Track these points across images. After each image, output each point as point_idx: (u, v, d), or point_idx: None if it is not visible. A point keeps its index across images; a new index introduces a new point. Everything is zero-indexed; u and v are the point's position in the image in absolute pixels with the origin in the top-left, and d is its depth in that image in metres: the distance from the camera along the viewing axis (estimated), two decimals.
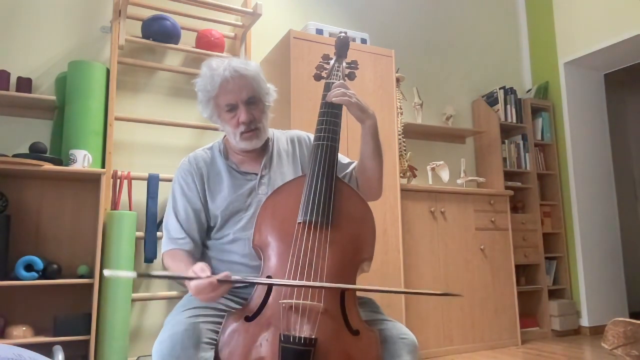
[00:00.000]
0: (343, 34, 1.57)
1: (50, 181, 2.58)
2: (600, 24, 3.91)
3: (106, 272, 1.06)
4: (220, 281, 1.09)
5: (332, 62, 1.54)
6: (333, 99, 1.34)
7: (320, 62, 1.54)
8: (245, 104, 1.36)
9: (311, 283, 1.12)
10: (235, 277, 1.14)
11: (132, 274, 1.06)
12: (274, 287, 1.13)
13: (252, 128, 1.37)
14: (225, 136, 1.48)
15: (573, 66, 4.20)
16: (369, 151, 1.40)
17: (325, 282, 1.13)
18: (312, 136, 1.51)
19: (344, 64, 1.54)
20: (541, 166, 4.15)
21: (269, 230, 1.23)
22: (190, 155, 1.47)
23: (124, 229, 2.46)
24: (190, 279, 1.10)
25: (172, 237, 1.37)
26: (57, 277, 2.36)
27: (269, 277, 1.15)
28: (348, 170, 1.50)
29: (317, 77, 1.52)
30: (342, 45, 1.56)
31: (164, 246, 1.38)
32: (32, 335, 2.28)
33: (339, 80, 1.46)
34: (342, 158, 1.52)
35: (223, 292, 1.12)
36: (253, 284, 1.19)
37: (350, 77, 1.53)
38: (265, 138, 1.43)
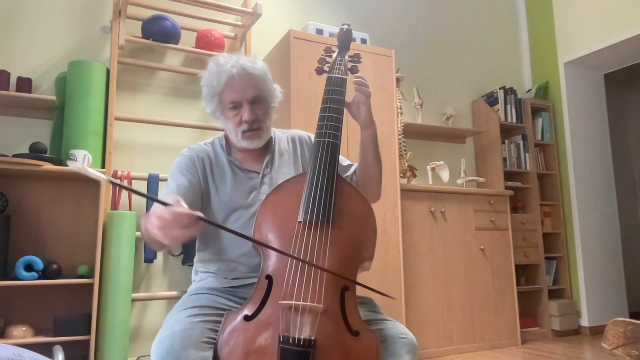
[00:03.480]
0: (346, 27, 1.54)
1: (50, 181, 2.58)
2: (600, 24, 3.91)
3: (72, 165, 0.94)
4: (200, 218, 0.99)
5: (334, 55, 1.50)
6: (356, 85, 1.35)
7: (322, 55, 1.51)
8: (249, 103, 1.34)
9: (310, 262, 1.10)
10: (214, 221, 1.06)
11: (103, 177, 0.93)
12: (273, 288, 1.12)
13: (255, 127, 1.35)
14: (225, 131, 1.46)
15: (573, 66, 4.19)
16: (371, 157, 1.40)
17: (326, 281, 1.12)
18: (312, 136, 1.49)
19: (347, 58, 1.50)
20: (541, 166, 4.14)
21: (269, 228, 1.22)
22: (193, 147, 1.44)
23: (124, 229, 2.46)
24: (166, 204, 0.98)
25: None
26: (57, 277, 2.36)
27: (268, 276, 1.15)
28: (349, 173, 1.50)
29: (319, 71, 1.49)
30: (345, 38, 1.53)
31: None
32: (32, 335, 2.28)
33: (341, 74, 1.43)
34: (343, 160, 1.51)
35: (193, 233, 1.01)
36: (250, 240, 1.14)
37: (353, 70, 1.49)
38: (267, 138, 1.42)
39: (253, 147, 1.38)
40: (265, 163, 1.42)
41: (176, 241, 1.02)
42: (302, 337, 1.03)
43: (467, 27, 4.27)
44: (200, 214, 1.00)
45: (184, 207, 0.98)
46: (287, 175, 1.40)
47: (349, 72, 1.48)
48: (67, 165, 2.44)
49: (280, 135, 1.52)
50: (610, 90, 4.44)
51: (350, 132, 2.78)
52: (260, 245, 1.18)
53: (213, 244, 1.38)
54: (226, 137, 1.46)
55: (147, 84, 2.96)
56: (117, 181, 1.03)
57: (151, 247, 1.20)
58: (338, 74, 1.43)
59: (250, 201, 1.37)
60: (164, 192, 1.36)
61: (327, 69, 1.47)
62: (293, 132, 1.55)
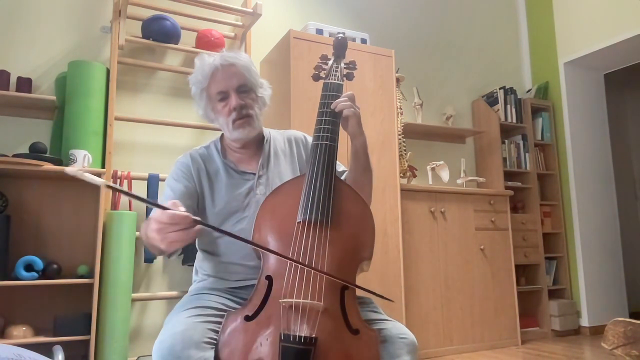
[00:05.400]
0: (341, 35, 1.58)
1: (50, 181, 2.58)
2: (600, 24, 3.91)
3: (69, 170, 0.96)
4: (196, 221, 1.00)
5: (330, 62, 1.54)
6: (339, 108, 1.34)
7: (318, 62, 1.55)
8: (236, 92, 1.38)
9: (307, 265, 1.10)
10: (211, 224, 1.07)
11: (101, 181, 0.96)
12: (273, 288, 1.12)
13: (244, 114, 1.38)
14: (222, 134, 1.49)
15: (573, 66, 4.20)
16: (361, 167, 1.41)
17: (325, 280, 1.12)
18: (308, 136, 1.53)
19: (342, 65, 1.54)
20: (541, 166, 4.15)
21: (268, 229, 1.22)
22: (188, 153, 1.47)
23: (124, 229, 2.46)
24: (164, 208, 0.99)
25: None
26: (57, 277, 2.36)
27: (268, 276, 1.15)
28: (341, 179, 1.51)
29: (316, 78, 1.53)
30: (340, 46, 1.57)
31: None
32: (32, 335, 2.28)
33: (337, 80, 1.46)
34: (338, 165, 1.52)
35: (190, 236, 1.01)
36: (238, 238, 1.09)
37: (349, 77, 1.53)
38: (259, 128, 1.43)
39: (246, 136, 1.40)
40: (260, 163, 1.43)
41: (173, 245, 1.03)
42: (302, 335, 1.04)
43: (467, 27, 4.27)
44: (196, 217, 1.01)
45: (181, 210, 1.00)
46: (284, 175, 1.42)
47: (344, 78, 1.51)
48: (67, 166, 2.44)
49: (277, 135, 1.53)
50: (610, 90, 4.45)
51: None
52: (258, 247, 1.18)
53: (213, 247, 1.39)
54: (222, 140, 1.48)
55: (147, 84, 2.96)
56: (115, 185, 1.04)
57: (151, 252, 1.22)
58: (334, 79, 1.46)
59: (247, 203, 1.37)
60: (161, 199, 1.39)
61: (324, 76, 1.51)
62: (289, 132, 1.57)
